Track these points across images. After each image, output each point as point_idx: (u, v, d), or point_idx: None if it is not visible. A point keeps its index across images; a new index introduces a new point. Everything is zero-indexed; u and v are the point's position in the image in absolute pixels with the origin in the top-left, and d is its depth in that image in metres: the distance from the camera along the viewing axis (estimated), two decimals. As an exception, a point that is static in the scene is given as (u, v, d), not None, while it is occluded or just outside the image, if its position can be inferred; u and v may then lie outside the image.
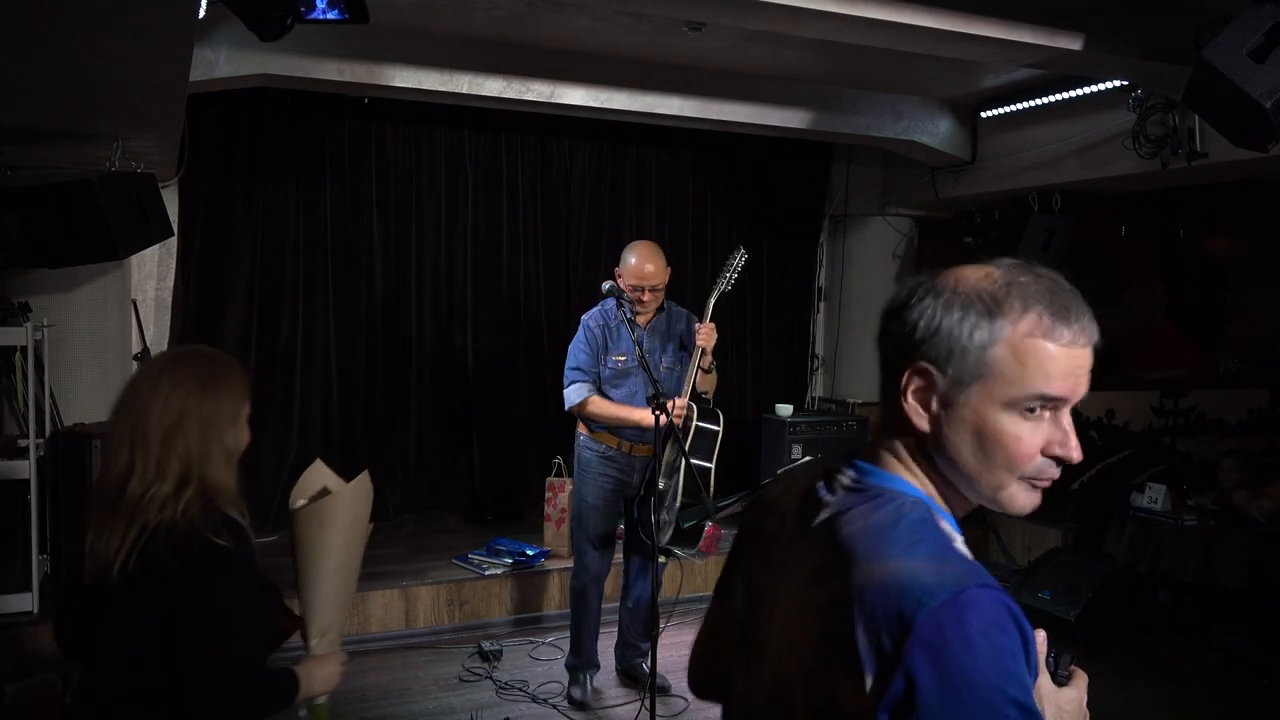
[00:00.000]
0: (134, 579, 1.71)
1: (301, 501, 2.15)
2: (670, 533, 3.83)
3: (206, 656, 1.72)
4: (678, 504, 3.79)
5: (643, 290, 3.87)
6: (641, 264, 3.90)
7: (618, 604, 4.25)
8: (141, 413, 1.77)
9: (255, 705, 1.85)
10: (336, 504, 2.10)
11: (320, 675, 1.99)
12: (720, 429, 3.81)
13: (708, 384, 3.89)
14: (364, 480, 2.11)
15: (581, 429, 4.05)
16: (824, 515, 1.13)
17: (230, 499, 1.83)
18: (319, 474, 2.21)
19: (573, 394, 3.89)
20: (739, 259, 3.92)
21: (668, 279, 3.99)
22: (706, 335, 3.81)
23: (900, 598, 1.00)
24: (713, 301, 3.88)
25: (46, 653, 4.08)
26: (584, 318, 4.03)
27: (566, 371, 3.94)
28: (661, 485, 3.75)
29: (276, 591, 1.96)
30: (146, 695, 1.75)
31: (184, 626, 1.71)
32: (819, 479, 1.18)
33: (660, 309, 4.00)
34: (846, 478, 1.16)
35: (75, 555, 1.80)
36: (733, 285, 3.91)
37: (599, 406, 3.86)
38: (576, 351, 3.94)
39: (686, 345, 4.01)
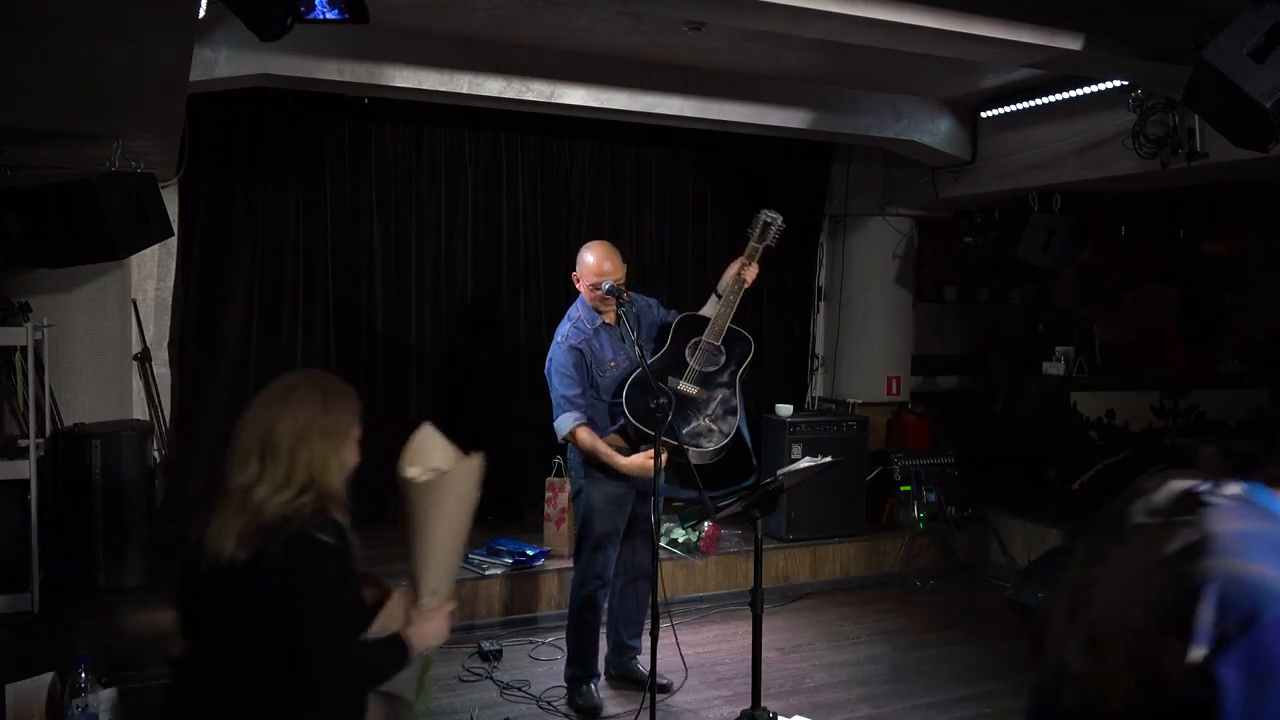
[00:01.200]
0: (247, 570, 1.90)
1: (415, 471, 2.27)
2: (711, 438, 3.86)
3: (316, 641, 1.93)
4: (706, 412, 3.86)
5: (600, 289, 3.84)
6: (600, 262, 3.86)
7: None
8: (270, 427, 2.02)
9: (366, 677, 2.06)
10: (451, 481, 2.24)
11: (431, 630, 2.18)
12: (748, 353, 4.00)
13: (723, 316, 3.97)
14: (476, 460, 2.30)
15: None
16: (1201, 509, 1.28)
17: (340, 506, 2.04)
18: (431, 441, 2.36)
19: (563, 424, 3.84)
20: (773, 219, 3.97)
21: (625, 275, 3.93)
22: (753, 274, 3.96)
23: (1254, 594, 1.14)
24: (755, 245, 3.97)
25: (46, 653, 4.08)
26: (560, 339, 3.90)
27: (555, 400, 3.86)
28: (694, 392, 3.83)
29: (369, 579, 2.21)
30: (248, 676, 1.95)
31: (294, 615, 1.91)
32: (1202, 484, 1.34)
33: (623, 304, 3.87)
34: (1236, 489, 1.31)
35: (191, 547, 1.99)
36: (772, 239, 3.98)
37: (586, 440, 3.81)
38: (563, 380, 3.84)
39: (656, 314, 4.10)
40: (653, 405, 3.38)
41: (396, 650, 2.10)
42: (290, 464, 1.99)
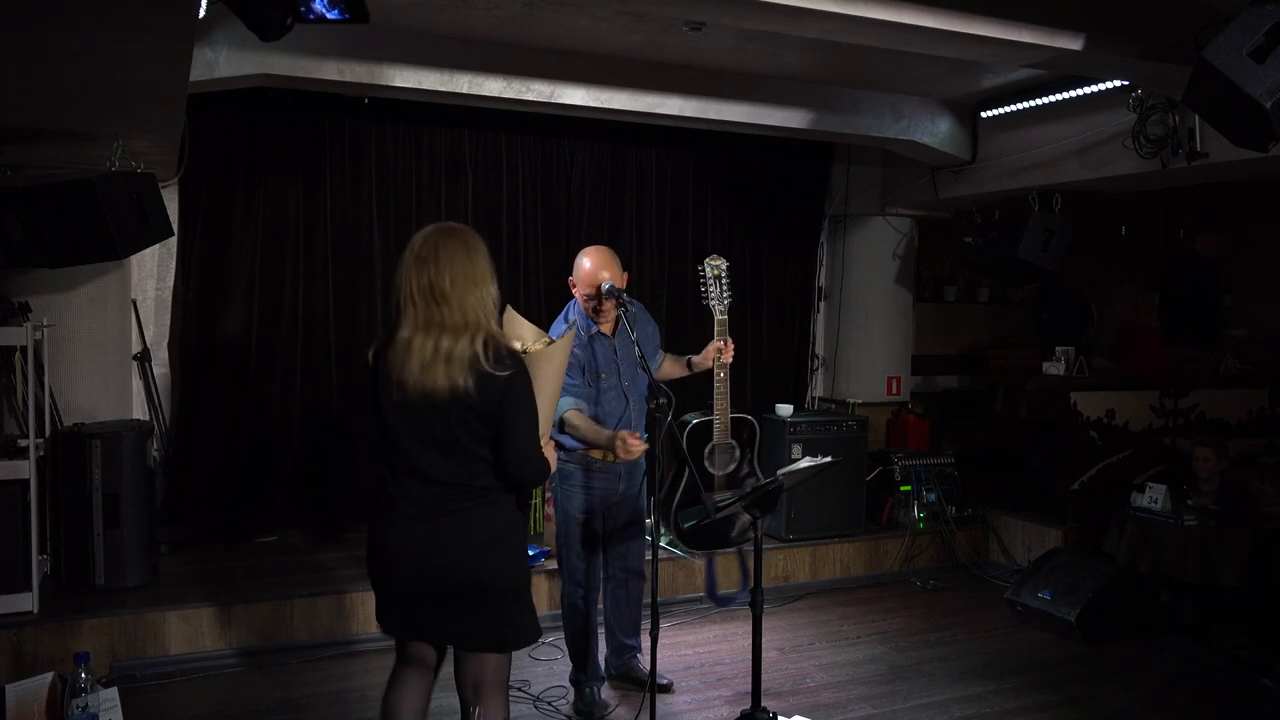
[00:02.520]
0: (470, 392, 2.39)
1: (519, 345, 2.70)
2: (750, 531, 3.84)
3: (519, 435, 2.46)
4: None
5: (599, 298, 3.69)
6: (597, 270, 3.67)
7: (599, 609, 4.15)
8: (433, 282, 2.43)
9: (543, 477, 2.68)
10: (553, 352, 2.75)
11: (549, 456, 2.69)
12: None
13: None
14: (569, 337, 2.92)
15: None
16: None
17: (503, 338, 2.51)
18: (516, 320, 2.84)
19: (560, 405, 3.62)
20: (719, 269, 3.88)
21: (623, 274, 3.76)
22: (731, 353, 3.86)
23: None
24: (722, 318, 3.88)
25: (46, 653, 4.09)
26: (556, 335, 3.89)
27: None
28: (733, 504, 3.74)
29: None
30: (472, 467, 2.48)
31: (507, 416, 2.43)
32: None
33: (620, 306, 3.71)
34: None
35: (392, 391, 2.46)
36: (729, 293, 3.89)
37: (578, 422, 3.67)
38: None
39: (652, 340, 4.02)
40: (652, 406, 3.34)
41: (549, 468, 2.67)
42: (462, 310, 2.42)
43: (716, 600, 4.02)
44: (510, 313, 2.80)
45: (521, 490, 2.65)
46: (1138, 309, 6.74)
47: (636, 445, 3.46)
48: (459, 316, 2.41)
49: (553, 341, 2.77)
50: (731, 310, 6.83)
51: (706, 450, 3.90)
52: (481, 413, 2.42)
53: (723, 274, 3.83)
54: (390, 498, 2.54)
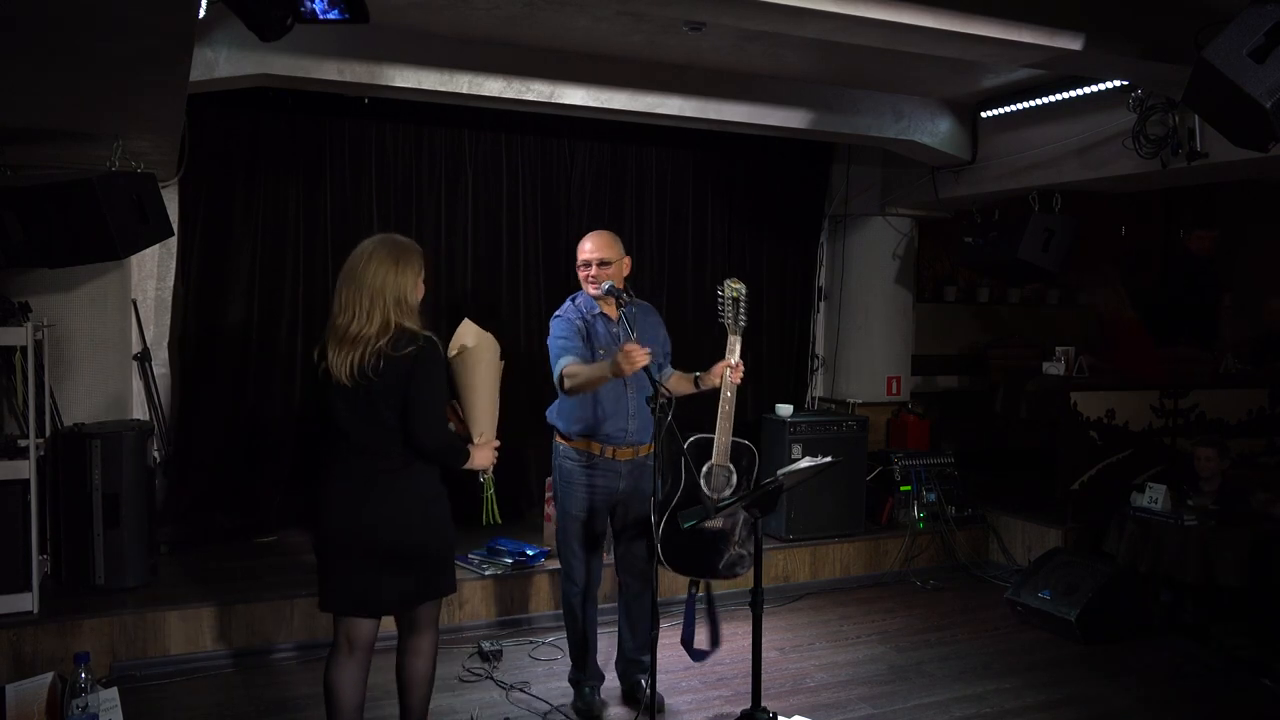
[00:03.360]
0: (372, 375, 2.86)
1: (454, 352, 3.18)
2: (744, 563, 3.82)
3: (420, 406, 2.89)
4: (734, 539, 3.81)
5: (589, 266, 3.82)
6: (583, 243, 3.89)
7: (615, 607, 4.15)
8: (365, 283, 2.90)
9: (450, 451, 3.05)
10: (476, 353, 3.17)
11: (481, 456, 3.19)
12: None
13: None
14: (490, 337, 3.28)
15: (559, 439, 3.95)
16: None
17: (418, 324, 2.94)
18: (465, 329, 3.25)
19: (557, 367, 3.74)
20: (738, 292, 3.76)
21: (618, 261, 3.86)
22: (740, 374, 3.74)
23: None
24: (735, 338, 3.75)
25: (46, 653, 4.09)
26: (560, 313, 3.91)
27: (554, 357, 3.80)
28: (720, 524, 3.75)
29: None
30: (392, 438, 2.92)
31: (412, 393, 2.87)
32: None
33: (621, 303, 3.82)
34: None
35: (322, 376, 2.95)
36: (745, 317, 3.77)
37: (573, 366, 3.69)
38: (560, 340, 3.81)
39: (662, 347, 4.00)
40: (651, 406, 3.36)
41: (462, 448, 3.11)
42: (382, 306, 2.88)
43: (692, 654, 3.85)
44: (465, 322, 3.29)
45: (432, 461, 3.01)
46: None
47: (638, 352, 3.40)
48: (375, 312, 2.89)
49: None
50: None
51: (704, 469, 3.83)
52: (394, 389, 2.88)
53: (741, 297, 3.75)
54: (330, 471, 3.01)
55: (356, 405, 2.91)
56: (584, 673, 3.99)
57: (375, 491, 2.94)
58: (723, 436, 3.78)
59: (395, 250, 2.97)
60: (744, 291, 3.77)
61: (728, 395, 3.76)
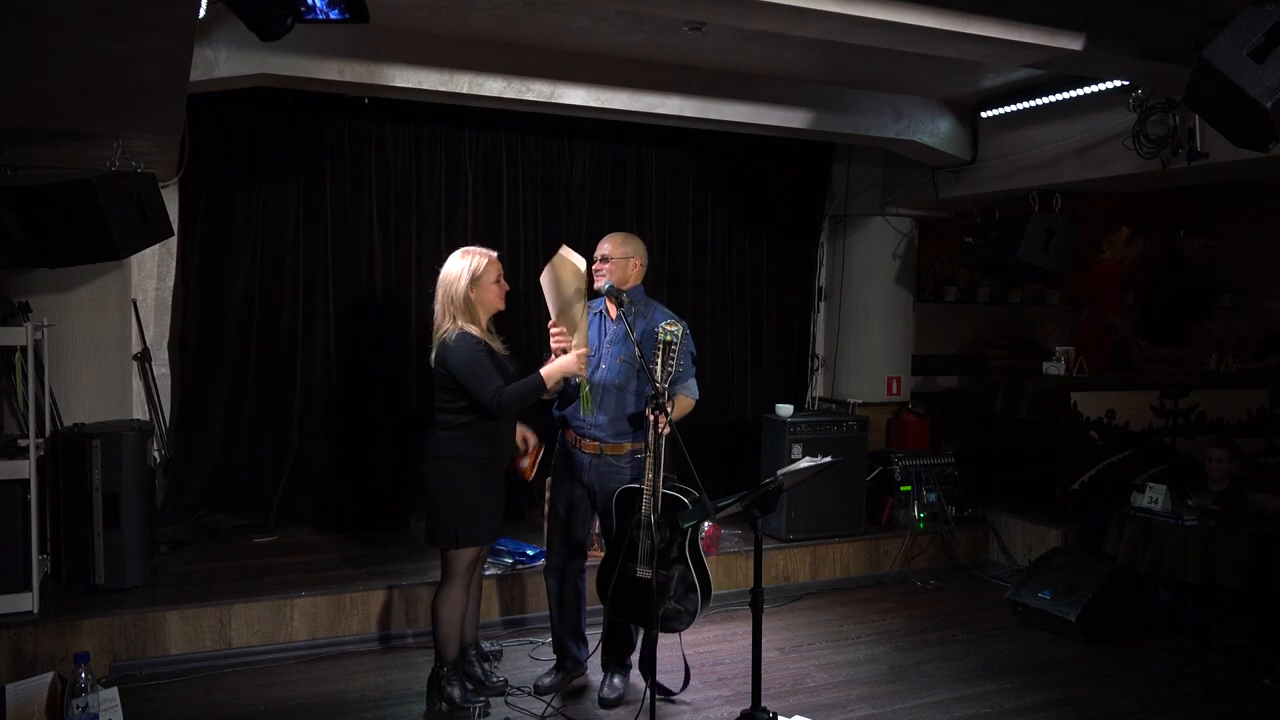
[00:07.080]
0: (440, 359, 3.66)
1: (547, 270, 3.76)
2: (681, 619, 3.67)
3: (463, 379, 3.63)
4: (670, 594, 3.64)
5: (596, 260, 3.95)
6: (600, 245, 4.03)
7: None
8: (441, 290, 3.72)
9: (487, 401, 3.62)
10: (555, 270, 3.74)
11: (572, 364, 3.75)
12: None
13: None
14: (571, 254, 3.76)
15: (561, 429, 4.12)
16: None
17: (481, 332, 3.72)
18: (564, 255, 3.74)
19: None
20: (673, 334, 3.53)
21: (621, 259, 3.94)
22: (664, 424, 3.52)
23: None
24: (662, 387, 3.52)
25: (46, 653, 4.09)
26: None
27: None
28: (648, 575, 3.61)
29: (512, 367, 3.83)
30: (459, 407, 3.70)
31: (456, 371, 3.63)
32: None
33: (622, 304, 3.82)
34: None
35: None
36: (675, 362, 3.53)
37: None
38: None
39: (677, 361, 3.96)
40: (647, 410, 3.41)
41: (533, 386, 3.69)
42: (452, 308, 3.67)
43: (656, 687, 3.68)
44: (564, 250, 3.75)
45: (487, 414, 3.63)
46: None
47: (563, 337, 3.77)
48: (441, 313, 3.69)
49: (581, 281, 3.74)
50: (731, 309, 6.88)
51: (633, 521, 3.60)
52: (438, 371, 3.66)
53: (676, 341, 3.48)
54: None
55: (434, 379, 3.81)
56: (556, 649, 4.17)
57: (424, 442, 3.85)
58: (647, 488, 3.58)
59: (463, 263, 3.76)
60: (679, 334, 3.51)
61: (653, 447, 3.56)
